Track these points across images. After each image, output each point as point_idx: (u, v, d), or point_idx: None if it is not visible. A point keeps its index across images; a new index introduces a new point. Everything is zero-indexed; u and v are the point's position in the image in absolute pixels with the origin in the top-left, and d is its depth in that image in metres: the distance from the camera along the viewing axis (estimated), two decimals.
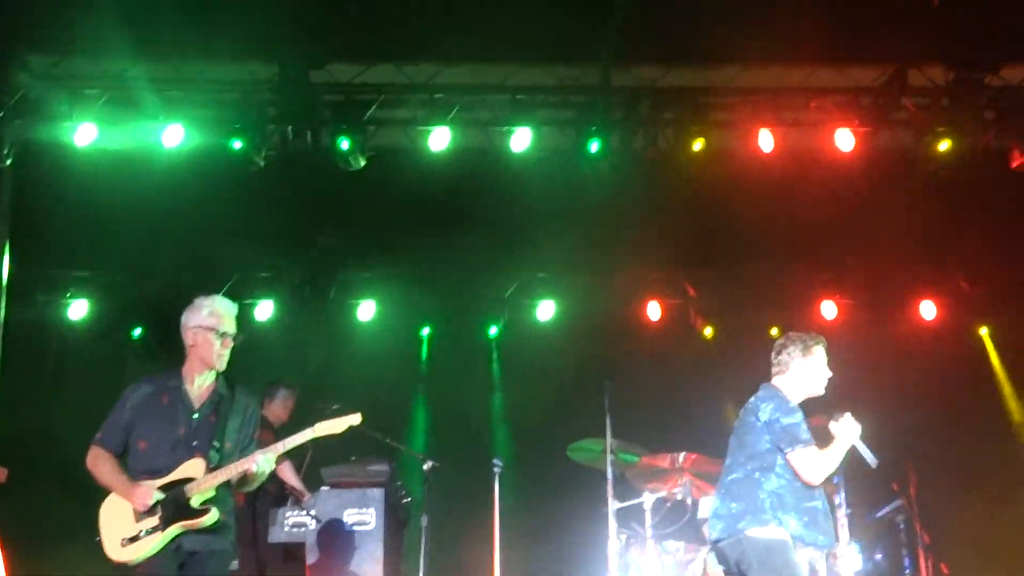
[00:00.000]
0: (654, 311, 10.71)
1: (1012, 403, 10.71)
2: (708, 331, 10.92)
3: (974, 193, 9.78)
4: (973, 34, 8.77)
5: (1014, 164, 9.55)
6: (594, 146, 9.26)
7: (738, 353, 10.57)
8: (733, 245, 10.08)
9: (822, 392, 5.97)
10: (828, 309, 10.76)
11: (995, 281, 10.61)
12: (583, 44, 8.95)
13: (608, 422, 7.57)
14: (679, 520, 7.87)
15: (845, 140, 9.31)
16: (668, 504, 7.82)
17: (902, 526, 8.02)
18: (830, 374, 5.98)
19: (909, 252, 10.29)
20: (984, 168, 9.63)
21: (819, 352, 5.98)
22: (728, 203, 9.70)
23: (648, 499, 7.68)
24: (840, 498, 7.79)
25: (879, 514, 8.16)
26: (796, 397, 5.93)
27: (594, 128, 9.27)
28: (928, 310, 10.81)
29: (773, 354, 6.05)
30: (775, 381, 6.00)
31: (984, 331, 11.01)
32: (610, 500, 7.65)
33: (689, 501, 7.83)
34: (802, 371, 5.94)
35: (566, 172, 9.52)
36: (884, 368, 9.39)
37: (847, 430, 5.75)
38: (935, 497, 8.38)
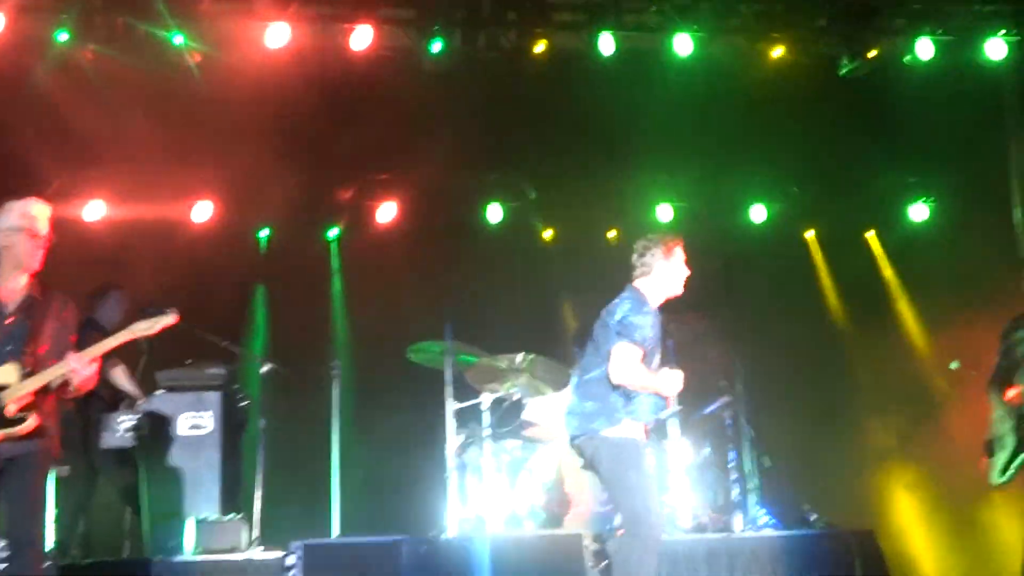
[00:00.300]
0: (495, 213, 10.74)
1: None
2: (548, 234, 11.03)
3: (805, 99, 10.06)
4: None
5: (843, 71, 9.85)
6: (436, 46, 9.17)
7: (576, 255, 10.77)
8: (573, 148, 10.13)
9: (681, 291, 6.13)
10: (664, 212, 10.95)
11: (823, 185, 10.96)
12: None
13: (448, 324, 7.65)
14: (516, 419, 8.04)
15: (684, 45, 9.44)
16: (506, 404, 7.97)
17: (729, 422, 8.33)
18: (688, 272, 6.13)
19: (740, 157, 10.52)
20: (815, 75, 9.91)
21: (678, 252, 6.13)
22: (568, 106, 9.74)
23: (486, 399, 7.82)
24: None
25: (708, 411, 8.45)
26: (657, 298, 6.11)
27: (436, 27, 9.17)
28: (759, 213, 11.12)
29: (635, 256, 6.14)
30: (637, 283, 6.11)
31: (811, 234, 11.42)
32: (448, 401, 7.76)
33: (526, 401, 7.99)
34: (664, 272, 6.08)
35: (408, 72, 9.40)
36: (715, 270, 9.62)
37: (670, 379, 5.93)
38: (761, 394, 8.71)
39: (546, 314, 10.33)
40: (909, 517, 10.52)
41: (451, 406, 7.73)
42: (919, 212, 11.30)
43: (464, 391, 7.93)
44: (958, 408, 10.37)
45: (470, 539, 6.84)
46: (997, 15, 9.81)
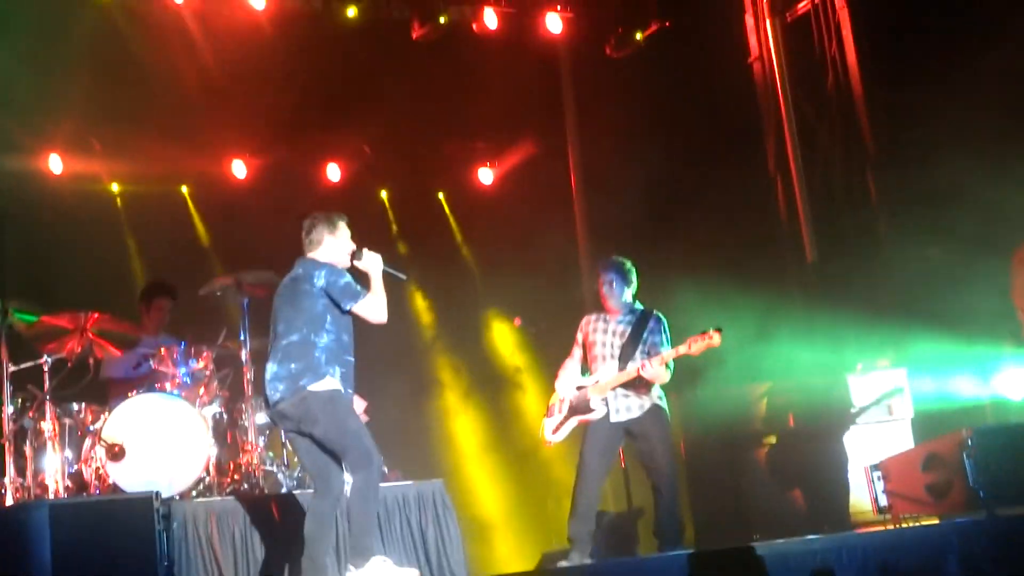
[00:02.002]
0: (56, 164, 10.11)
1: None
2: (115, 187, 10.54)
3: (381, 61, 10.26)
4: None
5: (415, 35, 10.13)
6: None
7: (149, 211, 10.40)
8: (139, 94, 9.71)
9: (349, 264, 6.40)
10: (239, 168, 10.81)
11: (393, 146, 11.23)
12: None
13: None
14: (81, 381, 7.68)
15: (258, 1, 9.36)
16: (69, 365, 7.59)
17: None
18: (354, 246, 6.43)
19: (316, 116, 10.57)
20: (389, 38, 10.12)
21: (343, 227, 6.47)
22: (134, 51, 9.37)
23: (47, 360, 7.42)
24: (245, 354, 8.02)
25: None
26: None
27: None
28: (334, 172, 11.23)
29: (304, 233, 6.44)
30: (313, 256, 6.38)
31: (384, 193, 11.69)
32: (4, 363, 7.29)
33: (92, 361, 7.65)
34: (331, 246, 6.41)
35: None
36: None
37: (372, 261, 6.39)
38: None
39: (113, 271, 9.89)
40: (479, 471, 11.12)
41: (6, 368, 7.27)
42: (486, 175, 11.88)
43: (23, 352, 7.47)
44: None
45: (27, 507, 6.46)
46: None
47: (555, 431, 7.47)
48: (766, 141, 10.51)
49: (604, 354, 7.37)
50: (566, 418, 7.42)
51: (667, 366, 7.23)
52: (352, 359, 6.32)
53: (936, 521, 7.48)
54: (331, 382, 6.14)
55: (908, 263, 9.12)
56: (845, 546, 6.08)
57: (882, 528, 7.64)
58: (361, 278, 6.39)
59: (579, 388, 7.40)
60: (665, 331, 7.41)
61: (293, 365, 6.14)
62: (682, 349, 7.18)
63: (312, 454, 6.25)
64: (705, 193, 10.18)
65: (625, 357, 7.28)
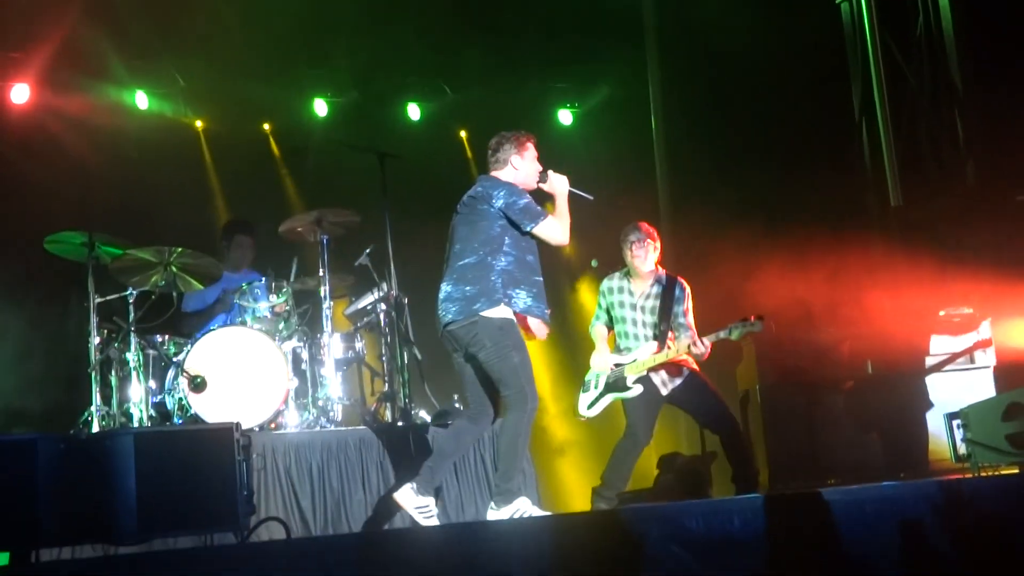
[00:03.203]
0: (141, 100, 10.24)
1: None
2: (199, 124, 10.65)
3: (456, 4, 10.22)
4: None
5: None
6: None
7: (231, 147, 10.52)
8: (228, 39, 9.78)
9: (535, 186, 6.34)
10: (320, 106, 10.90)
11: (473, 87, 11.18)
12: None
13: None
14: (164, 314, 7.83)
15: None
16: (153, 298, 7.73)
17: (382, 316, 8.43)
18: (541, 167, 6.36)
19: (393, 55, 10.58)
20: None
21: (531, 148, 6.37)
22: None
23: (132, 293, 7.58)
24: (324, 291, 8.11)
25: (360, 305, 8.53)
26: None
27: None
28: (414, 111, 11.25)
29: (490, 152, 6.37)
30: (497, 174, 6.32)
31: (463, 133, 11.67)
32: (91, 294, 7.46)
33: (175, 295, 7.79)
34: (518, 166, 6.32)
35: None
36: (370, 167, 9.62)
37: (558, 182, 6.33)
38: (416, 290, 8.86)
39: (193, 208, 10.01)
40: (551, 412, 11.13)
41: (94, 300, 7.44)
42: (565, 117, 11.80)
43: (108, 284, 7.63)
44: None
45: (112, 435, 6.62)
46: None
47: (590, 407, 7.49)
48: (852, 83, 10.29)
49: (636, 332, 7.41)
50: (602, 394, 7.45)
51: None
52: (540, 279, 6.22)
53: (1016, 471, 7.36)
54: (505, 310, 6.05)
55: (995, 208, 8.90)
56: (923, 494, 6.01)
57: (961, 477, 7.54)
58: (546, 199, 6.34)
59: (616, 365, 7.41)
60: (690, 301, 7.42)
61: (468, 288, 6.08)
62: (722, 334, 7.16)
63: (474, 386, 6.28)
64: (789, 136, 10.02)
65: (661, 336, 7.30)
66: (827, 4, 10.47)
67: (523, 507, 6.02)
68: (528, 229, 6.14)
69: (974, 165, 9.39)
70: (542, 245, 6.29)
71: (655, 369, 7.30)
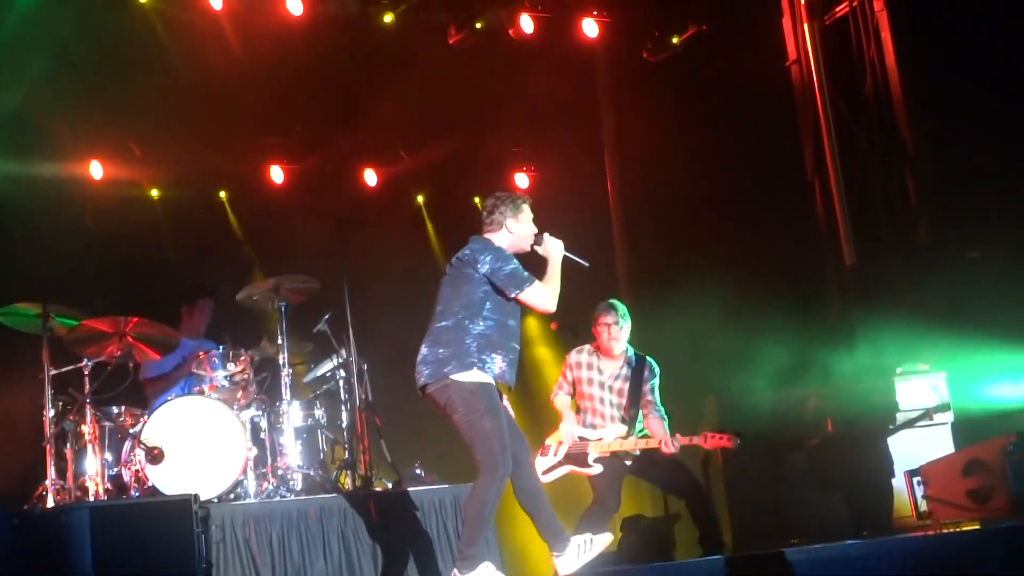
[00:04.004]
0: (96, 170, 10.19)
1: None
2: (155, 193, 10.62)
3: (415, 65, 10.28)
4: None
5: (451, 40, 10.15)
6: None
7: (187, 216, 10.48)
8: (171, 103, 9.78)
9: (528, 249, 6.23)
10: (276, 173, 10.89)
11: (431, 152, 11.25)
12: None
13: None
14: (121, 385, 7.75)
15: (295, 5, 9.40)
16: (109, 368, 7.65)
17: (341, 383, 8.39)
18: (536, 230, 6.23)
19: (352, 121, 10.60)
20: (424, 42, 10.14)
21: (527, 210, 6.27)
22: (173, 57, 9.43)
23: (88, 364, 7.50)
24: (283, 359, 8.05)
25: (319, 372, 8.48)
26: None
27: None
28: (371, 177, 11.27)
29: (485, 213, 6.26)
30: (488, 236, 6.23)
31: (420, 198, 11.70)
32: (46, 366, 7.37)
33: (131, 365, 7.72)
34: (513, 229, 6.20)
35: None
36: (327, 233, 9.60)
37: (553, 247, 6.19)
38: (374, 355, 8.81)
39: (154, 274, 9.94)
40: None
41: (49, 372, 7.35)
42: (522, 180, 11.87)
43: (63, 356, 7.55)
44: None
45: (68, 510, 6.52)
46: None
47: (546, 472, 7.45)
48: (804, 144, 10.44)
49: (603, 411, 7.46)
50: (561, 463, 7.47)
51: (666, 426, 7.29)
52: (517, 346, 6.14)
53: (978, 527, 7.39)
54: (477, 374, 5.97)
55: (948, 265, 9.02)
56: (885, 552, 6.01)
57: (923, 534, 7.55)
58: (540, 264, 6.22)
59: (580, 439, 7.43)
60: (658, 379, 7.47)
61: (441, 351, 6.02)
62: (696, 440, 7.23)
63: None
64: (743, 197, 10.12)
65: (631, 421, 7.36)
66: (778, 66, 10.64)
67: (486, 573, 5.96)
68: (513, 296, 6.07)
69: (926, 223, 9.52)
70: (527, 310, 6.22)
71: (617, 453, 7.31)
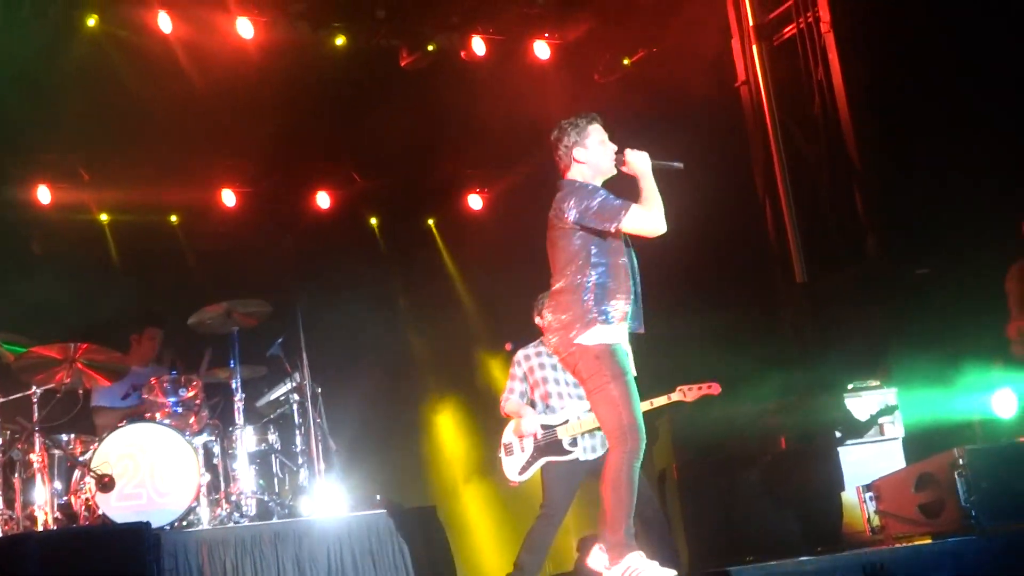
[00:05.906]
0: (44, 195, 10.10)
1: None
2: (104, 217, 10.53)
3: (367, 88, 10.28)
4: None
5: (403, 63, 10.16)
6: None
7: (138, 240, 10.41)
8: (127, 124, 9.72)
9: (615, 171, 5.69)
10: (228, 197, 10.83)
11: (384, 174, 11.25)
12: None
13: None
14: (70, 412, 7.66)
15: (245, 29, 9.37)
16: (59, 396, 7.56)
17: (295, 407, 8.34)
18: (615, 147, 5.69)
19: (303, 144, 10.59)
20: (375, 65, 10.15)
21: (594, 131, 5.69)
22: (123, 81, 9.37)
23: (36, 391, 7.40)
24: (236, 383, 8.00)
25: (273, 396, 8.44)
26: (596, 183, 5.72)
27: None
28: (324, 200, 11.25)
29: (552, 150, 5.70)
30: (569, 176, 5.68)
31: (374, 220, 11.69)
32: None
33: (81, 392, 7.63)
34: (583, 157, 5.67)
35: None
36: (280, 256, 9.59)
37: (638, 161, 5.65)
38: (329, 379, 8.78)
39: (105, 301, 9.85)
40: (470, 497, 11.08)
41: None
42: (475, 201, 11.89)
43: (11, 383, 7.45)
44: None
45: (16, 541, 6.42)
46: (542, 18, 10.47)
47: (521, 472, 7.15)
48: (754, 163, 10.53)
49: (562, 392, 7.10)
50: (534, 457, 7.10)
51: None
52: (637, 287, 5.62)
53: (929, 541, 7.45)
54: (601, 331, 5.48)
55: (898, 282, 9.11)
56: (838, 566, 6.04)
57: (875, 548, 7.60)
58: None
59: (544, 427, 7.08)
60: None
61: (564, 316, 5.54)
62: (675, 397, 7.06)
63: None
64: (694, 216, 10.16)
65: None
66: (728, 87, 10.73)
67: (635, 564, 5.37)
68: (613, 228, 5.50)
69: (875, 239, 9.62)
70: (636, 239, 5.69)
71: (591, 431, 6.97)
